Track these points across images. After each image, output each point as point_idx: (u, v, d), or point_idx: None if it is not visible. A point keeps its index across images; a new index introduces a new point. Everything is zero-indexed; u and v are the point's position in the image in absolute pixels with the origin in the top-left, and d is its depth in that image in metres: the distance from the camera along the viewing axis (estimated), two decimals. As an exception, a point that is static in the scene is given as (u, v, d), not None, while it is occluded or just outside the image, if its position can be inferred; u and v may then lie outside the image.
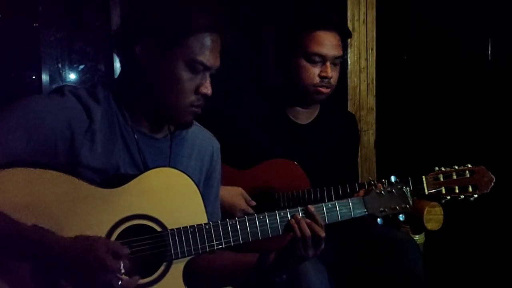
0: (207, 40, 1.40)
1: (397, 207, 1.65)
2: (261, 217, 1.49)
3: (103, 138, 1.40)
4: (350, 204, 1.61)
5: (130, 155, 1.45)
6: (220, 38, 1.43)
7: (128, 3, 1.46)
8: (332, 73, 1.97)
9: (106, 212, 1.37)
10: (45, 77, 2.47)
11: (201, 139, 1.60)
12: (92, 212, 1.35)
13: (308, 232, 1.48)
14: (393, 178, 1.69)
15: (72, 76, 2.59)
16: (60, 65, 2.52)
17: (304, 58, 1.96)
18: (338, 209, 1.58)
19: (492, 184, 1.76)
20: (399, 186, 1.66)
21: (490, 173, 1.77)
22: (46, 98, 1.41)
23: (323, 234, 1.49)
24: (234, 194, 1.91)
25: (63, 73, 2.54)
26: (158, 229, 1.42)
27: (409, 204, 1.65)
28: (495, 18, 2.72)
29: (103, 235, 1.35)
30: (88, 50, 2.58)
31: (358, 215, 1.62)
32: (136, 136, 1.45)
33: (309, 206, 1.52)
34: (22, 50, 2.45)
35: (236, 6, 2.69)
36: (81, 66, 2.62)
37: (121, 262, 1.28)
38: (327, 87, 1.98)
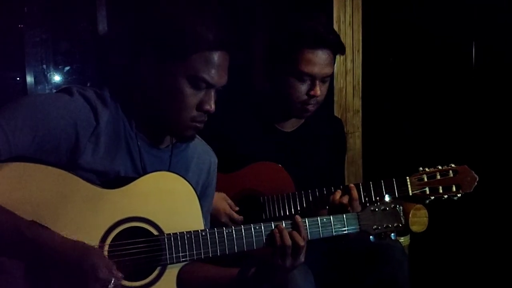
0: (213, 57, 1.39)
1: (390, 225, 1.67)
2: (257, 227, 1.50)
3: (107, 142, 1.40)
4: (345, 219, 1.62)
5: (132, 162, 1.45)
6: (228, 55, 1.42)
7: (134, 16, 1.45)
8: (321, 92, 1.96)
9: (103, 213, 1.37)
10: (29, 79, 2.46)
11: (200, 152, 1.61)
12: (90, 212, 1.35)
13: (289, 242, 1.49)
14: (387, 197, 1.70)
15: (57, 78, 2.58)
16: (45, 67, 2.50)
17: (294, 76, 1.94)
18: (332, 223, 1.59)
19: (475, 183, 1.77)
20: (393, 205, 1.67)
21: (473, 172, 1.78)
22: (54, 97, 1.40)
23: (302, 243, 1.49)
24: (218, 199, 1.90)
25: (48, 74, 2.53)
26: (155, 232, 1.42)
27: (401, 223, 1.67)
28: (479, 21, 2.74)
29: (99, 236, 1.35)
30: (73, 51, 2.57)
31: (352, 231, 1.64)
32: (139, 144, 1.46)
33: (296, 216, 1.54)
34: (6, 51, 2.43)
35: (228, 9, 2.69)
36: (67, 68, 2.60)
37: (113, 279, 1.27)
38: (314, 105, 1.98)
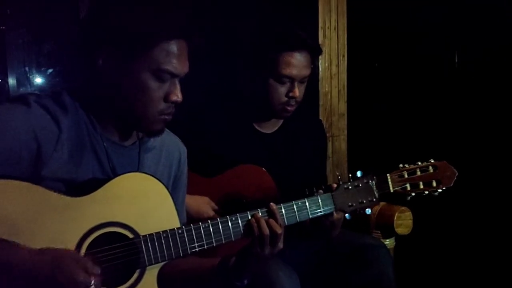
0: (173, 47, 1.38)
1: (364, 201, 1.69)
2: (233, 219, 1.49)
3: (71, 148, 1.37)
4: (320, 200, 1.63)
5: (100, 164, 1.42)
6: (186, 43, 1.41)
7: (87, 13, 1.43)
8: (300, 93, 1.99)
9: (76, 221, 1.34)
10: (12, 81, 2.45)
11: (168, 144, 1.59)
12: (61, 222, 1.32)
13: (266, 230, 1.49)
14: (359, 173, 1.72)
15: (39, 80, 2.57)
16: (27, 69, 2.50)
17: (273, 78, 1.97)
18: (308, 206, 1.60)
19: (455, 178, 1.77)
20: (365, 181, 1.70)
21: (453, 167, 1.78)
22: (10, 108, 1.34)
23: (280, 231, 1.49)
24: (200, 202, 1.91)
25: (31, 76, 2.52)
26: (130, 235, 1.40)
27: (375, 197, 1.69)
28: (462, 27, 2.77)
29: (73, 245, 1.32)
30: (56, 53, 2.56)
31: (328, 212, 1.65)
32: (105, 144, 1.43)
33: (271, 203, 1.53)
34: (-12, 53, 2.43)
35: (208, 11, 2.71)
36: (49, 70, 2.59)
37: (92, 279, 1.23)
38: (293, 106, 2.01)
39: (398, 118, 2.97)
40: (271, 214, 1.53)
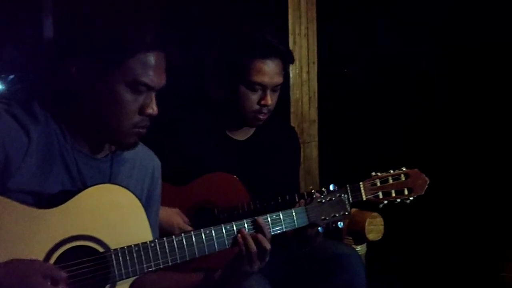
0: (150, 59, 1.34)
1: (337, 215, 1.70)
2: (207, 232, 1.47)
3: (40, 159, 1.32)
4: (294, 214, 1.63)
5: (69, 176, 1.38)
6: (164, 55, 1.38)
7: (61, 23, 1.39)
8: (272, 101, 1.97)
9: (43, 234, 1.29)
10: (-29, 87, 2.36)
11: (142, 158, 1.55)
12: (26, 236, 1.27)
13: (254, 247, 1.47)
14: (331, 187, 1.73)
15: (-1, 87, 2.49)
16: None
17: (245, 85, 1.95)
18: (282, 219, 1.59)
19: (426, 186, 1.79)
20: (338, 194, 1.71)
21: (424, 175, 1.80)
22: None
23: (269, 246, 1.48)
24: (171, 214, 1.87)
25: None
26: (100, 249, 1.35)
27: (347, 211, 1.70)
28: (429, 33, 2.81)
29: (41, 259, 1.27)
30: (18, 59, 2.48)
31: (301, 225, 1.65)
32: (75, 156, 1.38)
33: (257, 218, 1.52)
34: None
35: (179, 20, 2.68)
36: (11, 76, 2.51)
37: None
38: (265, 114, 1.99)
39: (369, 124, 3.00)
40: (258, 228, 1.51)
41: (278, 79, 1.97)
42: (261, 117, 1.98)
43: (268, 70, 1.93)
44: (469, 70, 2.77)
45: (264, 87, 1.95)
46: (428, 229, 2.82)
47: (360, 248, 2.35)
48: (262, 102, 1.95)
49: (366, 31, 2.96)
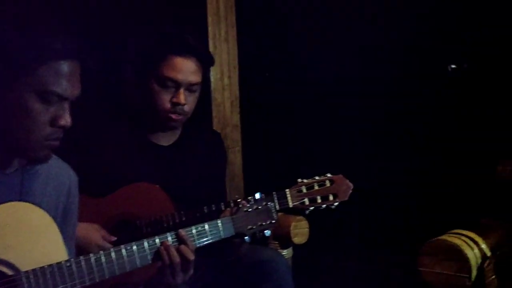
0: (63, 67, 1.26)
1: (264, 223, 1.69)
2: (128, 248, 1.41)
3: None
4: (220, 224, 1.61)
5: None
6: (78, 64, 1.31)
7: None
8: (187, 100, 1.91)
9: None
10: None
11: (57, 172, 1.45)
12: None
13: (177, 258, 1.44)
14: (258, 195, 1.73)
15: None
16: None
17: (156, 82, 1.89)
18: (208, 231, 1.58)
19: (351, 191, 1.83)
20: (264, 202, 1.70)
21: (348, 181, 1.84)
22: None
23: (192, 257, 1.46)
24: (89, 230, 1.78)
25: None
26: (9, 272, 1.26)
27: (274, 219, 1.71)
28: (346, 37, 2.88)
29: None
30: None
31: (227, 235, 1.64)
32: None
33: (180, 230, 1.49)
34: None
35: (96, 26, 2.58)
36: None
37: None
38: (179, 114, 1.92)
39: (294, 129, 3.03)
40: (181, 241, 1.48)
41: (193, 78, 1.91)
42: (175, 117, 1.91)
43: (182, 67, 1.88)
44: (383, 72, 2.86)
45: (177, 85, 1.89)
46: (352, 229, 2.89)
47: (287, 252, 2.36)
48: (174, 100, 1.88)
49: (286, 35, 2.99)
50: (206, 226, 1.58)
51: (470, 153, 2.61)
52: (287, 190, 1.84)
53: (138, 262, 1.43)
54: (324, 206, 1.84)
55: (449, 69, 2.64)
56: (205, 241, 1.57)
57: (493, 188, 2.40)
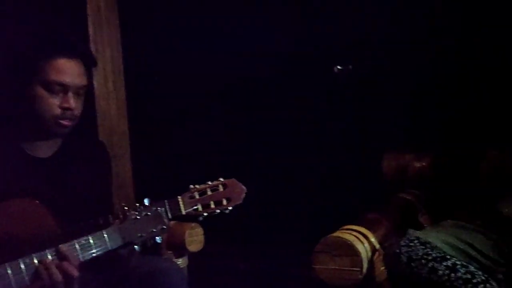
0: None
1: (154, 230, 1.65)
2: (1, 271, 1.33)
3: None
4: (105, 235, 1.55)
5: None
6: None
7: None
8: (76, 104, 1.83)
9: None
10: None
11: None
12: None
13: (59, 277, 1.37)
14: (146, 201, 1.68)
15: None
16: None
17: (42, 87, 1.78)
18: (93, 243, 1.52)
19: (244, 194, 1.82)
20: (154, 208, 1.66)
21: (241, 184, 1.83)
22: None
23: (76, 273, 1.40)
24: None
25: None
26: None
27: (166, 225, 1.67)
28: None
29: None
30: None
31: (115, 246, 1.58)
32: None
33: (60, 246, 1.43)
34: None
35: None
36: None
37: None
38: (70, 119, 1.83)
39: (185, 134, 2.99)
40: (60, 256, 1.41)
41: (81, 80, 1.84)
42: (65, 123, 1.82)
43: (70, 70, 1.80)
44: (272, 73, 2.90)
45: (65, 88, 1.80)
46: (249, 232, 2.90)
47: (182, 261, 2.32)
48: (65, 105, 1.79)
49: (177, 37, 2.94)
50: (91, 239, 1.52)
51: (356, 148, 2.71)
52: (179, 197, 1.79)
53: (14, 285, 1.31)
54: (218, 211, 1.82)
55: (335, 70, 2.72)
56: (91, 254, 1.51)
57: (380, 181, 2.51)
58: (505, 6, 2.34)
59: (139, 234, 1.62)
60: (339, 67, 2.73)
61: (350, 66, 2.71)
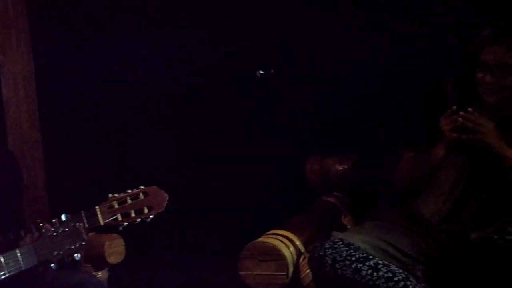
0: None
1: (73, 247, 1.59)
2: None
3: None
4: (19, 255, 1.48)
5: None
6: None
7: None
8: None
9: None
10: None
11: None
12: None
13: None
14: (64, 217, 1.61)
15: None
16: None
17: None
18: (4, 263, 1.45)
19: (166, 201, 1.77)
20: (72, 224, 1.60)
21: (163, 191, 1.78)
22: None
23: None
24: None
25: None
26: None
27: (84, 241, 1.61)
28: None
29: None
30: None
31: (30, 266, 1.51)
32: None
33: None
34: None
35: None
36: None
37: None
38: None
39: (103, 142, 2.88)
40: None
41: None
42: None
43: None
44: (194, 79, 2.86)
45: None
46: (172, 240, 2.84)
47: (101, 274, 2.24)
48: None
49: (91, 41, 2.82)
50: (2, 258, 1.44)
51: (279, 152, 2.73)
52: (97, 207, 1.71)
53: None
54: (139, 220, 1.75)
55: (258, 75, 2.73)
56: (2, 275, 1.44)
57: (303, 185, 2.53)
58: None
59: (56, 252, 1.55)
60: (261, 71, 2.73)
61: (272, 71, 2.72)
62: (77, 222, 1.60)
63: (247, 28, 2.71)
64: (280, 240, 2.06)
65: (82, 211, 1.70)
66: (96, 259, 2.20)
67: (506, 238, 1.67)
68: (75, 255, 1.59)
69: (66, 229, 1.58)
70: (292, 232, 2.12)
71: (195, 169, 2.83)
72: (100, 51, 2.82)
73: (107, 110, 2.89)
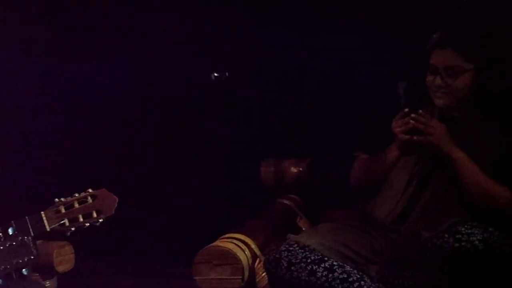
0: None
1: (21, 261, 1.54)
2: None
3: None
4: None
5: None
6: None
7: None
8: None
9: None
10: None
11: None
12: None
13: None
14: (10, 230, 1.56)
15: None
16: None
17: None
18: None
19: (116, 205, 1.71)
20: (20, 237, 1.55)
21: (112, 194, 1.72)
22: None
23: None
24: None
25: None
26: None
27: (33, 255, 1.56)
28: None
29: None
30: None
31: None
32: None
33: None
34: None
35: None
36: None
37: None
38: None
39: (47, 145, 2.78)
40: None
41: None
42: None
43: None
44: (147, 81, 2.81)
45: None
46: (124, 245, 2.78)
47: (50, 283, 2.19)
48: None
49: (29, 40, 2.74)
50: None
51: (233, 156, 2.71)
52: (42, 212, 1.64)
53: None
54: (87, 224, 1.68)
55: (212, 77, 2.71)
56: None
57: (258, 188, 2.52)
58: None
59: (3, 267, 1.51)
60: (216, 74, 2.71)
61: (227, 73, 2.71)
62: (25, 236, 1.55)
63: (203, 29, 2.68)
64: (235, 244, 2.04)
65: (26, 217, 1.62)
66: (44, 268, 2.13)
67: (456, 237, 1.69)
68: (23, 270, 1.55)
69: (14, 243, 1.53)
70: (247, 235, 2.11)
71: (148, 172, 2.79)
72: (37, 52, 2.74)
73: (53, 111, 2.81)
